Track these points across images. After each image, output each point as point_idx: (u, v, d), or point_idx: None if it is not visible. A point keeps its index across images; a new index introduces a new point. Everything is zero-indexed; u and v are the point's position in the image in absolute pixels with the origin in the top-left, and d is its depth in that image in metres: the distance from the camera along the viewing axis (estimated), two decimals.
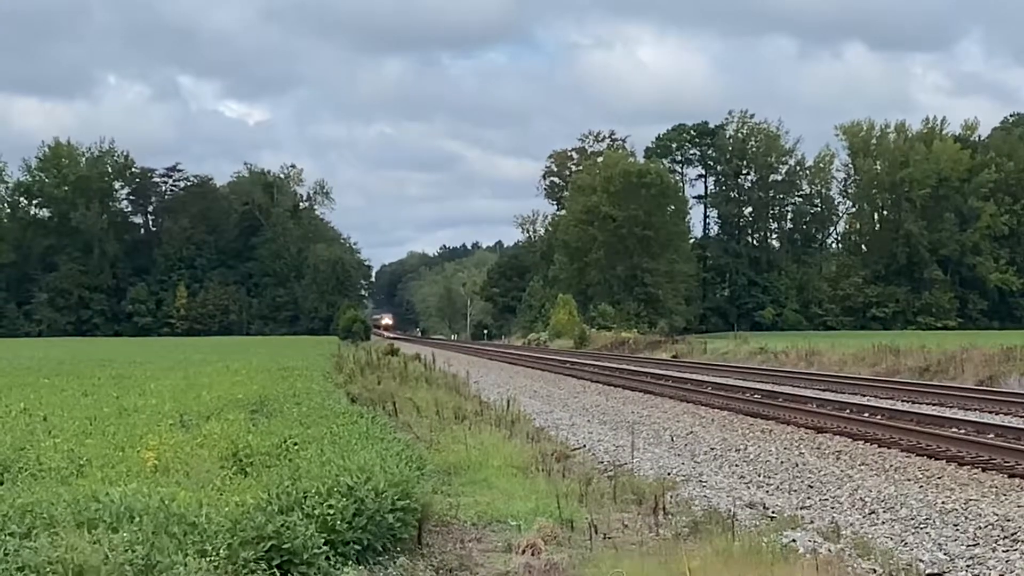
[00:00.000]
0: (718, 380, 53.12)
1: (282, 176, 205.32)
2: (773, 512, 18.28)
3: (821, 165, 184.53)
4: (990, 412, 34.16)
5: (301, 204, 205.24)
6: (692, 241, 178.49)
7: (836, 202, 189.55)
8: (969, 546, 15.47)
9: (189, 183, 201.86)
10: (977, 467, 22.41)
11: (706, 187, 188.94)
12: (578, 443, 28.15)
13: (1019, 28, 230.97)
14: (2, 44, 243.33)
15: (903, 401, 39.26)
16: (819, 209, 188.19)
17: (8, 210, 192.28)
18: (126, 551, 10.99)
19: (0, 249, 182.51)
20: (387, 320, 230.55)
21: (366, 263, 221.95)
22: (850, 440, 27.80)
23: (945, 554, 15.05)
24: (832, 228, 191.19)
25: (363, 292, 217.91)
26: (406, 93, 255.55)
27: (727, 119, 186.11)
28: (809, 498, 19.80)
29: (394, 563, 13.95)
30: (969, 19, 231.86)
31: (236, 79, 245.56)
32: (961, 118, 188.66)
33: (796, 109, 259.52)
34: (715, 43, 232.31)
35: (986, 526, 16.67)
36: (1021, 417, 32.14)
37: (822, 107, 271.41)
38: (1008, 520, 16.96)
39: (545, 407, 39.90)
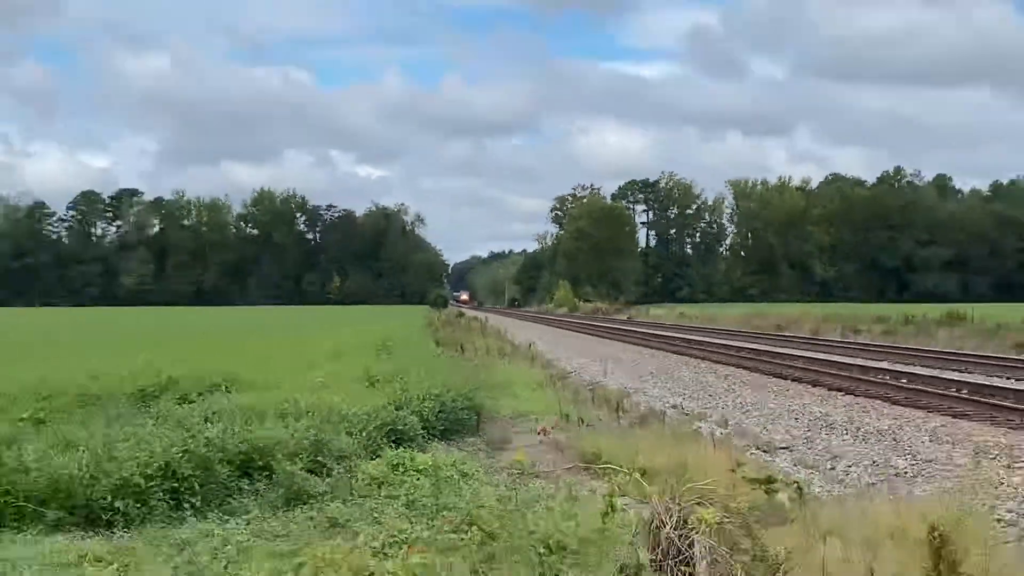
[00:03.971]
0: (656, 332, 53.10)
1: (396, 210, 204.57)
2: (687, 411, 18.30)
3: (715, 205, 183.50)
4: (815, 351, 34.13)
5: (407, 227, 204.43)
6: (639, 249, 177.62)
7: (726, 227, 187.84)
8: (804, 431, 15.48)
9: (340, 215, 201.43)
10: (808, 384, 22.45)
11: (648, 217, 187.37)
12: (571, 369, 28.15)
13: (834, 121, 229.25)
14: (227, 129, 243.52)
15: (766, 344, 39.23)
16: (715, 231, 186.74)
17: (234, 230, 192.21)
18: (304, 432, 11.11)
19: (228, 254, 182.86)
20: (465, 296, 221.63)
21: (445, 262, 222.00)
22: (734, 367, 27.87)
23: (790, 435, 15.07)
24: (724, 242, 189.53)
25: (444, 279, 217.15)
26: (467, 161, 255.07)
27: (661, 176, 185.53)
28: (709, 403, 19.81)
29: (462, 440, 14.06)
30: (799, 116, 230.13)
31: (366, 151, 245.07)
32: (798, 178, 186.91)
33: (701, 170, 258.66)
34: (651, 131, 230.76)
35: (815, 419, 16.68)
36: (833, 354, 32.11)
37: (716, 168, 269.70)
38: (828, 416, 16.97)
39: (550, 348, 39.97)
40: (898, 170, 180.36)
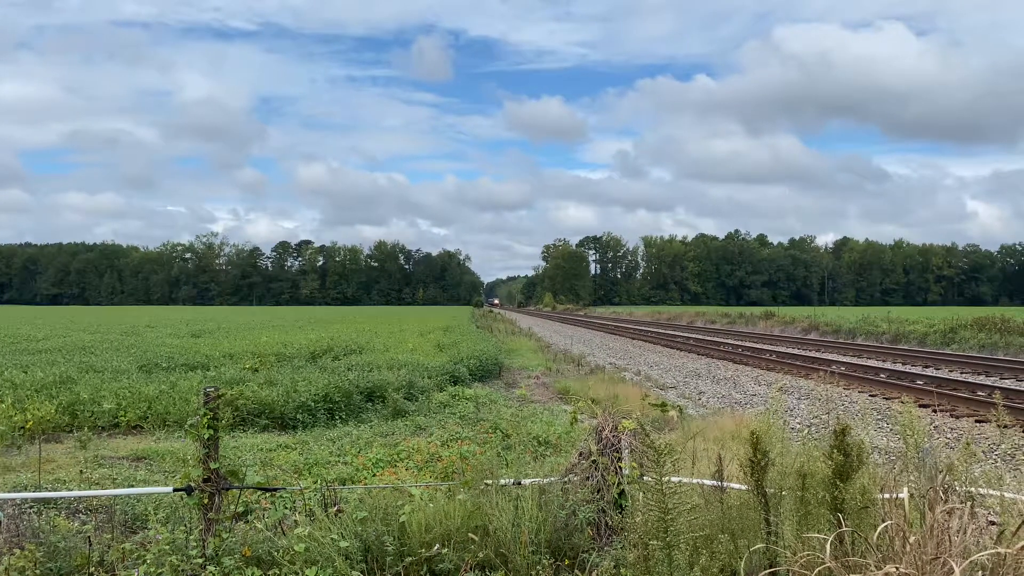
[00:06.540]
0: (599, 322, 52.71)
1: (454, 252, 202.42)
2: (618, 366, 18.18)
3: (633, 250, 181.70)
4: (690, 332, 33.83)
5: (460, 262, 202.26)
6: (591, 275, 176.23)
7: (640, 264, 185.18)
8: (683, 378, 15.34)
9: (423, 255, 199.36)
10: (685, 351, 22.24)
11: (595, 257, 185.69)
12: (552, 342, 27.98)
13: (699, 203, 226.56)
14: (359, 206, 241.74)
15: (662, 329, 38.87)
16: (633, 264, 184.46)
17: (364, 263, 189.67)
18: (403, 376, 11.09)
19: (360, 276, 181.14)
20: (496, 301, 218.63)
21: (482, 281, 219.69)
22: (644, 342, 27.56)
23: (675, 380, 14.93)
24: (638, 271, 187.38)
25: (481, 291, 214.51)
26: (493, 225, 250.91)
27: (603, 234, 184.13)
28: (631, 362, 19.68)
29: (491, 381, 13.97)
30: (679, 200, 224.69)
31: (436, 219, 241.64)
32: (680, 235, 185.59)
33: (625, 230, 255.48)
34: (596, 209, 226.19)
35: (689, 371, 16.53)
36: (700, 334, 31.78)
37: (634, 229, 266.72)
38: (697, 369, 16.80)
39: (539, 330, 39.65)
40: (736, 231, 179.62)
